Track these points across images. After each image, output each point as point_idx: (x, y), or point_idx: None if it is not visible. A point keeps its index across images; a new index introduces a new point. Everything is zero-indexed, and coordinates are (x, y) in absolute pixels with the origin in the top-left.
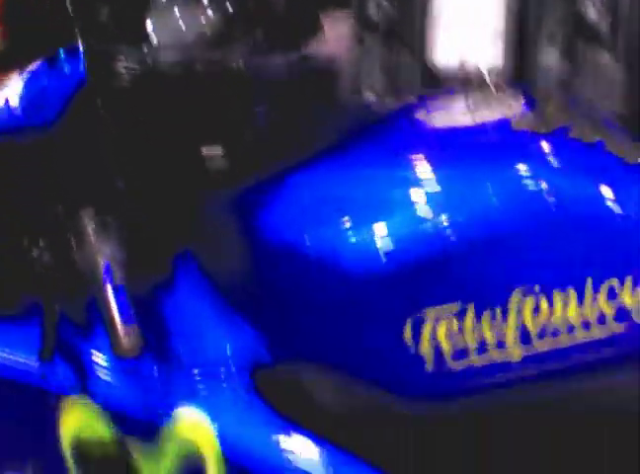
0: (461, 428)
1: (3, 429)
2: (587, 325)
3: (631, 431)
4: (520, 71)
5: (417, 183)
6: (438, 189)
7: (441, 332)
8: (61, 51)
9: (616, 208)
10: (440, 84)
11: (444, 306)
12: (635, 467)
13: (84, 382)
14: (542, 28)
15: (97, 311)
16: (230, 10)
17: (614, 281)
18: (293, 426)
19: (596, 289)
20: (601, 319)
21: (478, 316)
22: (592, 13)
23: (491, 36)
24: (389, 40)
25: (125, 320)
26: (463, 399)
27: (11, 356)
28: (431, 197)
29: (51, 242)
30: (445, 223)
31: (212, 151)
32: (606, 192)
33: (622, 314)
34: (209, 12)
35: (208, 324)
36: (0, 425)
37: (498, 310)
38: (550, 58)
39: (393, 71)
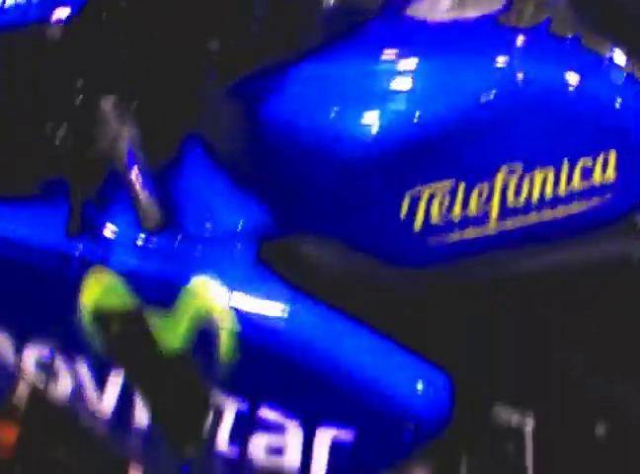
0: (450, 292)
1: (25, 304)
2: (563, 201)
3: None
4: None
5: (406, 73)
6: (426, 77)
7: (435, 208)
8: None
9: (589, 94)
10: None
11: (438, 184)
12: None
13: (105, 256)
14: None
15: (117, 190)
16: None
17: (588, 161)
18: (297, 292)
19: (571, 168)
20: (576, 196)
21: (468, 193)
22: None
23: None
24: None
25: (151, 197)
26: (452, 267)
27: (29, 235)
28: (421, 85)
29: (74, 128)
30: (435, 108)
31: (215, 41)
32: (582, 80)
33: (594, 191)
34: None
35: (217, 200)
36: (22, 301)
37: (485, 187)
38: None
39: None
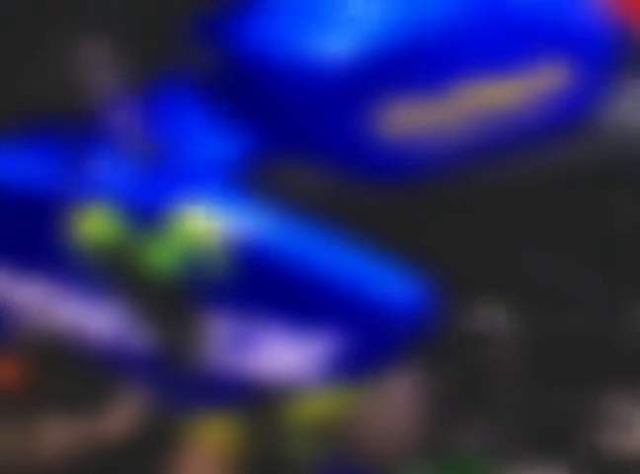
0: (425, 203)
1: (19, 236)
2: (521, 111)
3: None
4: None
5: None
6: (387, 2)
7: (404, 119)
8: None
9: (534, 5)
10: None
11: (407, 97)
12: None
13: (98, 190)
14: None
15: (104, 128)
16: None
17: (544, 70)
18: (280, 210)
19: (527, 78)
20: (532, 106)
21: (434, 103)
22: None
23: None
24: None
25: (137, 126)
26: (426, 180)
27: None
28: (382, 9)
29: (53, 72)
30: (400, 22)
31: None
32: None
33: (548, 101)
34: None
35: (201, 130)
36: (16, 232)
37: (449, 97)
38: None
39: None
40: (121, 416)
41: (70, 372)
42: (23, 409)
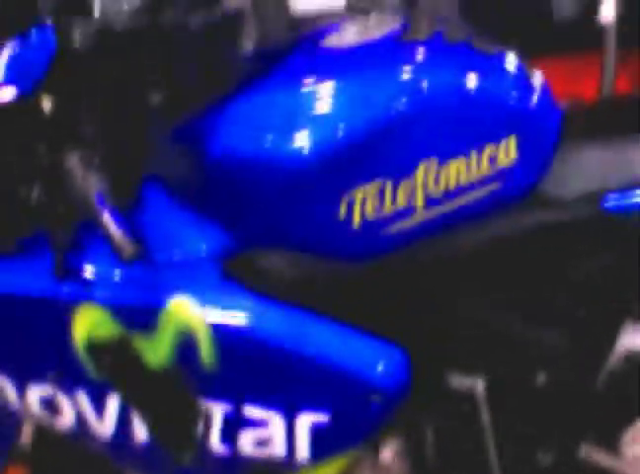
0: (390, 278)
1: (22, 344)
2: (476, 185)
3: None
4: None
5: (327, 94)
6: (345, 95)
7: (369, 206)
8: (32, 29)
9: (486, 89)
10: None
11: (368, 186)
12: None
13: (89, 293)
14: None
15: (93, 231)
16: None
17: (493, 148)
18: (262, 298)
19: (479, 156)
20: (487, 179)
21: (395, 190)
22: None
23: None
24: None
25: (122, 233)
26: (389, 256)
27: (21, 283)
28: (341, 103)
29: (46, 184)
30: (356, 121)
31: (155, 94)
32: (478, 77)
33: (501, 172)
34: None
35: (180, 228)
36: (19, 340)
37: (409, 183)
38: None
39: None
40: None
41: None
42: None
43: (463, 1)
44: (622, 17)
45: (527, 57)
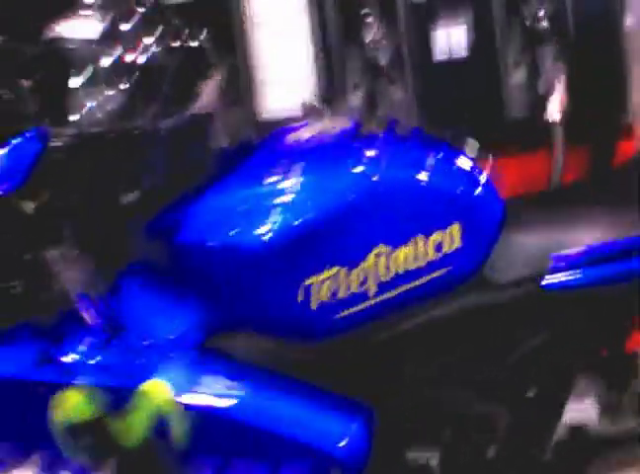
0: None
1: (6, 426)
2: (423, 271)
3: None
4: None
5: (286, 188)
6: (302, 189)
7: (324, 290)
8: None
9: (432, 181)
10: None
11: (324, 272)
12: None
13: (68, 378)
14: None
15: (73, 319)
16: (129, 89)
17: (438, 235)
18: (232, 377)
19: (426, 243)
20: (434, 264)
21: (348, 276)
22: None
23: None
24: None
25: (102, 319)
26: (343, 337)
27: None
28: (299, 196)
29: (29, 277)
30: (311, 214)
31: (129, 193)
32: (425, 169)
33: (447, 257)
34: (113, 94)
35: (155, 314)
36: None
37: (361, 269)
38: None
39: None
40: None
41: None
42: None
43: (422, 106)
44: (568, 115)
45: (483, 155)
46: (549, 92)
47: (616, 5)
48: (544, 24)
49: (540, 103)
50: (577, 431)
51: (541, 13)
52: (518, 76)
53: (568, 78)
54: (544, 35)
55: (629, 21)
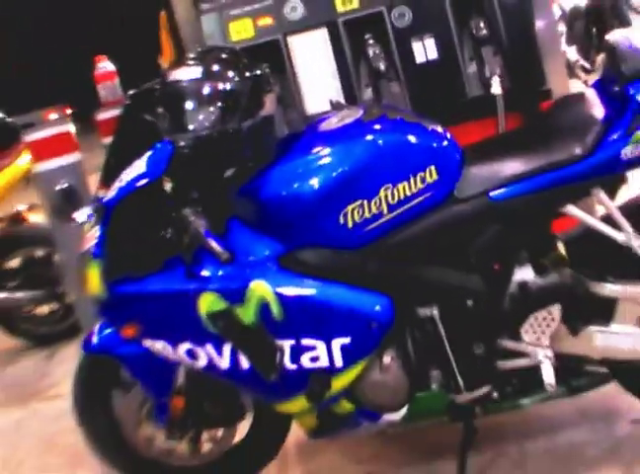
0: (374, 257)
1: (172, 321)
2: (414, 196)
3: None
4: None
5: (323, 156)
6: (331, 155)
7: (356, 214)
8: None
9: (414, 139)
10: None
11: (353, 203)
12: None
13: (206, 285)
14: (360, 79)
15: (204, 252)
16: (222, 106)
17: (423, 172)
18: (304, 277)
19: (415, 178)
20: (419, 192)
21: (369, 204)
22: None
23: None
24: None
25: (222, 249)
26: (371, 245)
27: (164, 286)
28: (329, 159)
29: (175, 227)
30: (339, 169)
31: (229, 171)
32: (408, 134)
33: (428, 187)
34: (213, 109)
35: (252, 244)
36: (170, 319)
37: (376, 200)
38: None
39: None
40: None
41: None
42: None
43: (411, 95)
44: (506, 90)
45: (449, 124)
46: (492, 76)
47: (530, 15)
48: (485, 31)
49: (487, 84)
50: (522, 285)
51: (482, 24)
52: (471, 68)
53: (503, 65)
54: (485, 39)
55: (538, 24)
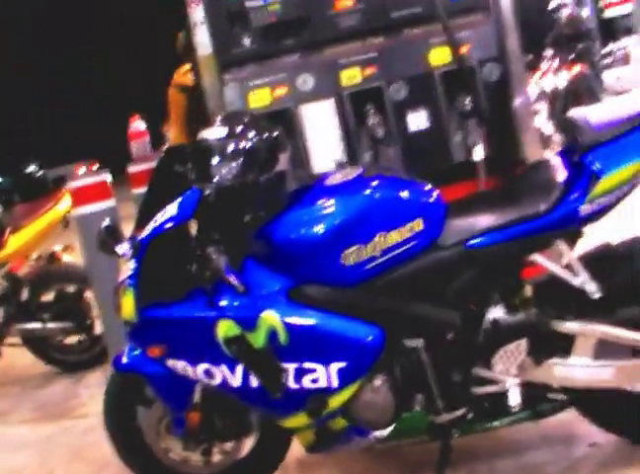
0: (368, 294)
1: (192, 344)
2: (401, 244)
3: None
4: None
5: (329, 207)
6: (337, 207)
7: (353, 256)
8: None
9: (406, 195)
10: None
11: (352, 247)
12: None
13: (224, 313)
14: (361, 144)
15: (223, 285)
16: (243, 161)
17: (412, 223)
18: (308, 308)
19: (403, 228)
20: (407, 240)
21: (364, 248)
22: (379, 132)
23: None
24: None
25: (238, 283)
26: (366, 282)
27: (190, 313)
28: (335, 210)
29: (198, 263)
30: (342, 218)
31: (248, 216)
32: (400, 190)
33: (415, 236)
34: (235, 165)
35: (264, 279)
36: (191, 342)
37: (371, 244)
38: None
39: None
40: None
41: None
42: None
43: (405, 159)
44: (486, 158)
45: (437, 184)
46: (475, 145)
47: (509, 94)
48: (469, 106)
49: (470, 151)
50: (494, 322)
51: (467, 101)
52: (457, 137)
53: (485, 135)
54: (469, 113)
55: (516, 101)
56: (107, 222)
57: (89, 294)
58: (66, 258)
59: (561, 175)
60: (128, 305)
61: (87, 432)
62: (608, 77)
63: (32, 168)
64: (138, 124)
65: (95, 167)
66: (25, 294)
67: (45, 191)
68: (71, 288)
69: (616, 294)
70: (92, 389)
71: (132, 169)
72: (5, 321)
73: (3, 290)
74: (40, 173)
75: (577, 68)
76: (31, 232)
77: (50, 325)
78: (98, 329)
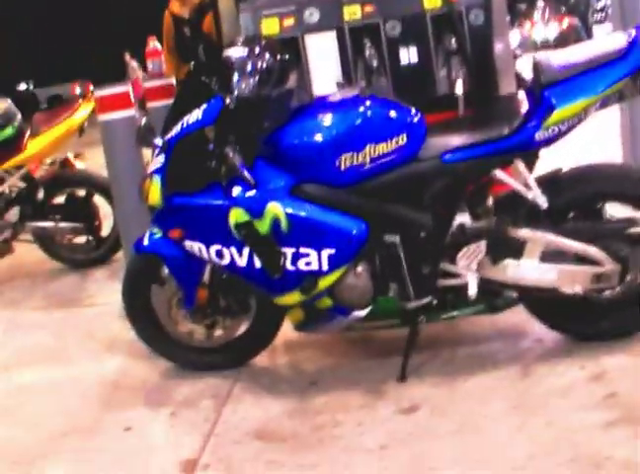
0: (358, 194)
1: (207, 227)
2: (388, 154)
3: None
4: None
5: (327, 118)
6: (335, 117)
7: (347, 161)
8: (211, 98)
9: (394, 113)
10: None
11: (346, 153)
12: None
13: (236, 202)
14: (357, 72)
15: (235, 178)
16: (259, 78)
17: (397, 137)
18: (306, 202)
19: (390, 141)
20: (392, 152)
21: (357, 155)
22: (374, 63)
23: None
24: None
25: (249, 176)
26: (357, 185)
27: (205, 201)
28: (334, 118)
29: (217, 160)
30: (337, 128)
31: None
32: (388, 108)
33: (399, 148)
34: (252, 80)
35: (272, 176)
36: (207, 227)
37: (362, 152)
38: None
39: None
40: None
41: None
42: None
43: (395, 88)
44: (466, 92)
45: (422, 112)
46: (456, 79)
47: (491, 38)
48: (454, 46)
49: (452, 85)
50: (460, 225)
51: (453, 40)
52: (442, 72)
53: (466, 72)
54: (454, 51)
55: (497, 47)
56: (145, 121)
57: (97, 198)
58: (78, 164)
59: (524, 106)
60: (155, 193)
61: (96, 316)
62: (599, 32)
63: (22, 86)
64: (155, 44)
65: (91, 87)
66: (39, 195)
67: (37, 108)
68: (81, 192)
69: (562, 210)
70: (99, 283)
71: (148, 84)
72: (20, 219)
73: (20, 190)
74: (31, 91)
75: (567, 21)
76: (48, 138)
77: (61, 224)
78: (104, 231)
